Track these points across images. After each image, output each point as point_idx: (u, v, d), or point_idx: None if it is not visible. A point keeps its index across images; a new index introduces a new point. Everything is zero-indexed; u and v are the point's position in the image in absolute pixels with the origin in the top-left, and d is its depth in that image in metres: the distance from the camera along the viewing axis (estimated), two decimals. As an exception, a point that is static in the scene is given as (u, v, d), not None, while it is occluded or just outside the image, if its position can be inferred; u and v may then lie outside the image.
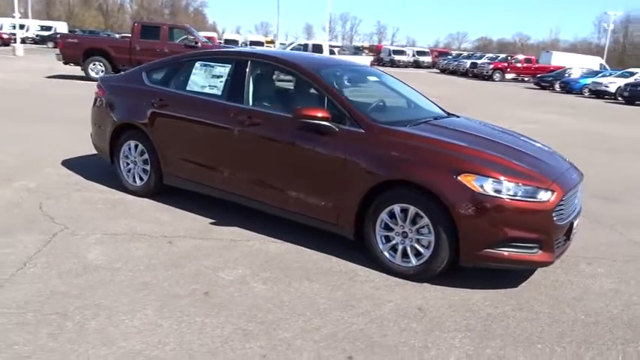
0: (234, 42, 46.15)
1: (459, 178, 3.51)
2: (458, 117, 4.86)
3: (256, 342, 2.87)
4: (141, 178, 5.21)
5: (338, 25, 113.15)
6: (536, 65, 38.44)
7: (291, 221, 4.44)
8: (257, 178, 4.38)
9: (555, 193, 3.57)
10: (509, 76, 37.82)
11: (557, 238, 3.67)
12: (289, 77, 4.69)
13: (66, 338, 2.78)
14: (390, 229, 3.81)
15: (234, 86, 4.57)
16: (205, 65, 4.83)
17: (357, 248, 4.12)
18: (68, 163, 6.33)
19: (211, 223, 4.64)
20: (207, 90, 4.75)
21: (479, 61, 41.15)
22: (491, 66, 38.28)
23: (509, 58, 40.78)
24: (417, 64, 52.10)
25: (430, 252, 3.66)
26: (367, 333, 3.05)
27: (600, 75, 29.03)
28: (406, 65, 50.46)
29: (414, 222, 3.70)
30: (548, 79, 31.99)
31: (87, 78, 16.74)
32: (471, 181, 3.50)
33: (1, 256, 3.69)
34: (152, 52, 17.13)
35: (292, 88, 4.89)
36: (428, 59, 53.96)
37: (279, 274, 3.74)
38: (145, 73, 5.27)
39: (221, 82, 4.68)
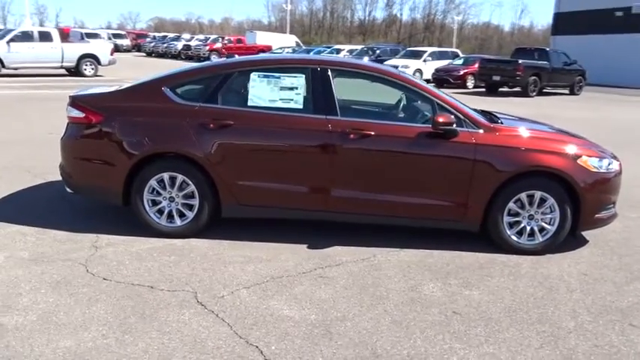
0: None
1: (578, 161, 4.24)
2: None
3: (565, 341, 3.13)
4: (181, 216, 4.34)
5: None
6: (248, 45, 40.78)
7: (375, 227, 4.53)
8: (371, 190, 4.25)
9: (619, 162, 4.62)
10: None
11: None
12: (372, 84, 4.54)
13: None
14: (516, 215, 4.31)
15: (321, 98, 4.24)
16: (267, 77, 4.29)
17: (462, 238, 4.48)
18: (5, 215, 4.67)
19: (309, 248, 4.30)
20: (279, 104, 4.26)
21: (192, 43, 41.34)
22: (207, 47, 38.97)
23: (220, 39, 42.06)
24: (116, 49, 49.02)
25: (555, 227, 4.31)
26: (602, 303, 3.58)
27: (314, 52, 32.68)
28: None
29: (538, 204, 4.28)
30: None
31: None
32: (586, 162, 4.27)
33: (207, 343, 2.86)
34: None
35: (385, 95, 4.74)
36: (127, 42, 51.37)
37: (455, 279, 3.86)
38: (167, 88, 4.31)
39: (298, 94, 4.27)
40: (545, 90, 21.45)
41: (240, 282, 3.65)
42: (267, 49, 39.04)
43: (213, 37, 44.55)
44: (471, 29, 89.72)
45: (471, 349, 2.95)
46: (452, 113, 4.22)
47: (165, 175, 4.26)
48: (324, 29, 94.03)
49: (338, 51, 31.72)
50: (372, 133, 4.18)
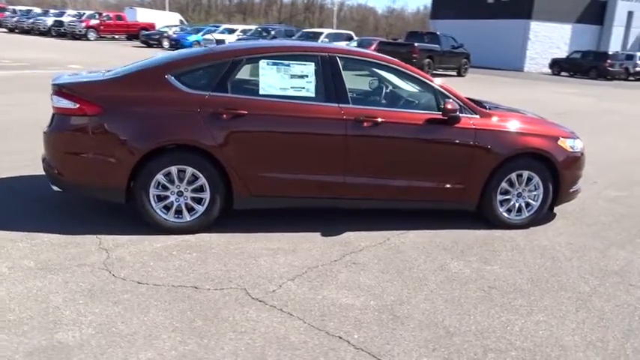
0: None
1: (558, 142, 4.71)
2: None
3: (592, 304, 3.54)
4: (191, 211, 4.16)
5: None
6: (129, 22, 38.39)
7: (373, 211, 4.74)
8: (384, 176, 4.37)
9: (582, 142, 5.19)
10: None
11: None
12: (376, 72, 4.61)
13: None
14: (507, 193, 4.70)
15: (332, 86, 4.25)
16: (276, 64, 4.20)
17: (454, 217, 4.81)
18: (-26, 222, 4.13)
19: (324, 235, 4.35)
20: (291, 92, 4.21)
21: (65, 19, 37.93)
22: (84, 24, 36.05)
23: (97, 15, 39.01)
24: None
25: (539, 203, 4.77)
26: (598, 268, 4.07)
27: (204, 32, 31.68)
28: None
29: (525, 183, 4.70)
30: (155, 37, 32.77)
31: None
32: (564, 143, 4.75)
33: (291, 339, 2.85)
34: None
35: (390, 83, 4.78)
36: (-21, 16, 45.83)
37: (472, 256, 4.15)
38: (172, 76, 4.06)
39: (309, 82, 4.24)
40: (435, 72, 22.83)
41: (281, 274, 3.61)
42: (150, 27, 37.12)
43: (89, 12, 41.15)
44: (348, 11, 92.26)
45: (526, 319, 3.24)
46: (453, 100, 4.46)
47: (173, 169, 4.05)
48: (202, 7, 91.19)
49: (230, 31, 30.99)
50: (384, 120, 4.29)
